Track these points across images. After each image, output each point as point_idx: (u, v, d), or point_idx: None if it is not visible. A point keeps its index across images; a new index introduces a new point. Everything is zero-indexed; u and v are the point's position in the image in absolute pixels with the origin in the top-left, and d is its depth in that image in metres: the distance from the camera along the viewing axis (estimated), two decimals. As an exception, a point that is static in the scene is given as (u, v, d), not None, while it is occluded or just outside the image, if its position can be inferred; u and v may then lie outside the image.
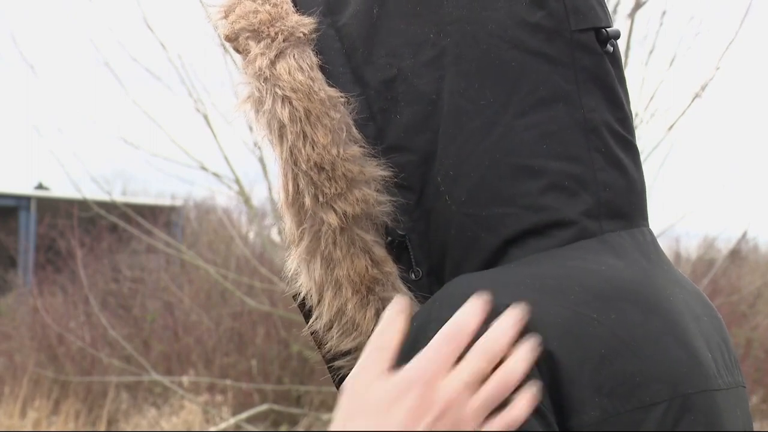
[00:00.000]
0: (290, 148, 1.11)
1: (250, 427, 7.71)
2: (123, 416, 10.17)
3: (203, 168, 6.33)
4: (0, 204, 17.10)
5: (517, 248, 1.07)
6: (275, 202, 6.64)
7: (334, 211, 1.09)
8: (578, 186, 1.09)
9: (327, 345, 1.14)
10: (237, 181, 6.35)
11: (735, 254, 11.53)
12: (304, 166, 1.10)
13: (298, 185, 1.11)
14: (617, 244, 1.10)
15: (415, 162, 1.10)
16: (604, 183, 1.11)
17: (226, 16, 1.19)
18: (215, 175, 6.35)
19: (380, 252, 1.11)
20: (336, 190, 1.09)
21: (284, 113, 1.11)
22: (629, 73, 6.17)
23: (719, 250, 12.14)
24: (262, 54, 1.13)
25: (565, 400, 0.98)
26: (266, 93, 1.12)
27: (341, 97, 1.12)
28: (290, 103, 1.11)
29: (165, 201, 16.30)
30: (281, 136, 1.11)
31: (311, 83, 1.12)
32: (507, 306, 0.98)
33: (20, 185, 19.92)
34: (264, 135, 1.14)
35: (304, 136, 1.10)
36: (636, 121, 6.28)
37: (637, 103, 6.32)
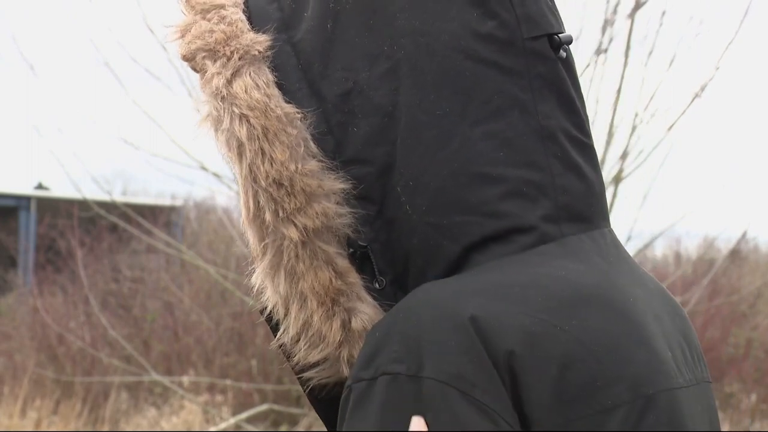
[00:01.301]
0: (249, 165, 1.12)
1: (250, 427, 7.71)
2: (123, 416, 10.17)
3: (203, 168, 6.33)
4: (0, 204, 17.10)
5: (479, 254, 1.09)
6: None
7: (294, 225, 1.11)
8: (537, 192, 1.11)
9: (295, 357, 1.15)
10: (237, 181, 6.34)
11: (735, 254, 11.53)
12: (263, 183, 1.11)
13: (258, 201, 1.13)
14: (577, 247, 1.12)
15: (374, 173, 1.12)
16: (563, 187, 1.12)
17: (182, 36, 1.18)
18: (215, 175, 6.35)
19: (343, 263, 1.12)
20: (295, 205, 1.11)
21: (242, 131, 1.12)
22: (629, 73, 6.17)
23: (719, 250, 12.15)
24: (218, 73, 1.14)
25: (526, 405, 1.00)
26: (224, 112, 1.13)
27: (298, 112, 1.13)
28: (247, 121, 1.12)
29: (165, 201, 16.30)
30: (240, 154, 1.13)
31: (267, 100, 1.13)
32: (471, 316, 1.01)
33: (20, 185, 19.93)
34: (224, 153, 1.15)
35: (263, 153, 1.11)
36: (636, 121, 6.28)
37: (637, 103, 6.33)
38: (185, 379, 9.42)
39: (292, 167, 1.11)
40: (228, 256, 12.31)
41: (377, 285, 1.13)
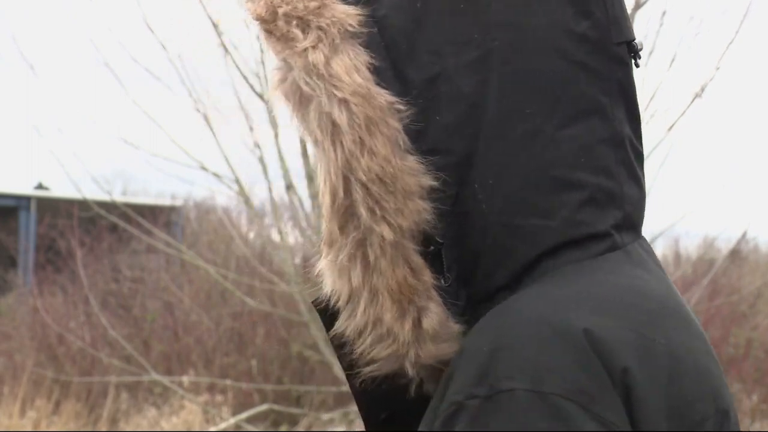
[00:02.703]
0: (347, 154, 1.05)
1: (250, 427, 7.71)
2: (123, 416, 10.17)
3: (203, 168, 6.33)
4: (0, 204, 17.10)
5: (552, 259, 1.07)
6: (275, 202, 6.65)
7: (389, 224, 1.05)
8: (608, 200, 1.10)
9: (359, 349, 1.10)
10: (237, 181, 6.35)
11: (735, 254, 11.53)
12: (363, 177, 1.05)
13: (351, 193, 1.06)
14: (637, 256, 1.11)
15: (453, 166, 1.07)
16: (628, 196, 1.12)
17: None
18: (215, 175, 6.35)
19: (418, 260, 1.07)
20: (394, 204, 1.05)
21: (342, 117, 1.05)
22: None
23: (719, 250, 12.14)
24: (314, 47, 1.06)
25: (639, 422, 0.98)
26: (320, 92, 1.06)
27: (397, 102, 1.06)
28: (348, 107, 1.05)
29: (165, 201, 16.29)
30: (334, 141, 1.06)
31: (369, 87, 1.06)
32: (584, 330, 0.98)
33: (20, 185, 19.91)
34: (310, 133, 1.08)
35: (362, 144, 1.05)
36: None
37: (637, 103, 6.31)
38: (185, 379, 9.41)
39: (394, 163, 1.05)
40: (228, 256, 12.31)
41: (443, 281, 1.08)
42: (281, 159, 6.11)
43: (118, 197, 10.50)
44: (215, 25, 5.94)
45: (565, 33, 1.09)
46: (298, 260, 10.13)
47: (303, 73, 1.06)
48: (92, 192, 7.84)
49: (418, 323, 1.07)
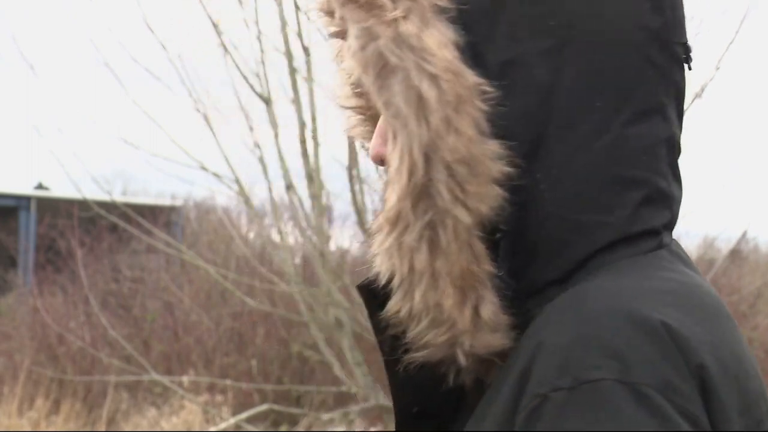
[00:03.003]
0: (432, 132, 1.02)
1: (250, 427, 7.71)
2: (123, 416, 10.17)
3: (203, 168, 6.33)
4: (0, 204, 17.10)
5: (608, 254, 1.06)
6: (275, 202, 6.64)
7: (467, 208, 1.02)
8: (661, 200, 1.10)
9: (411, 333, 1.06)
10: (237, 181, 6.35)
11: (735, 254, 11.52)
12: (448, 157, 1.01)
13: (429, 172, 1.02)
14: (679, 254, 1.12)
15: (519, 154, 1.05)
16: (675, 198, 1.12)
17: None
18: (215, 175, 6.35)
19: (481, 248, 1.05)
20: (477, 188, 1.02)
21: (431, 93, 1.01)
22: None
23: (719, 250, 12.13)
24: (405, 18, 1.03)
25: (711, 417, 0.97)
26: (410, 64, 1.02)
27: (484, 83, 1.04)
28: (438, 83, 1.02)
29: (165, 201, 16.30)
30: (419, 117, 1.02)
31: (459, 65, 1.03)
32: (662, 322, 0.97)
33: (20, 185, 19.91)
34: (388, 105, 1.04)
35: (449, 123, 1.01)
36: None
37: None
38: (185, 379, 9.41)
39: (480, 146, 1.02)
40: (228, 256, 12.31)
41: (497, 270, 1.06)
42: (281, 159, 6.11)
43: (118, 197, 10.50)
44: (215, 25, 5.94)
45: (640, 28, 1.08)
46: (298, 260, 10.14)
47: (391, 43, 1.03)
48: (92, 192, 7.84)
49: (476, 311, 1.04)
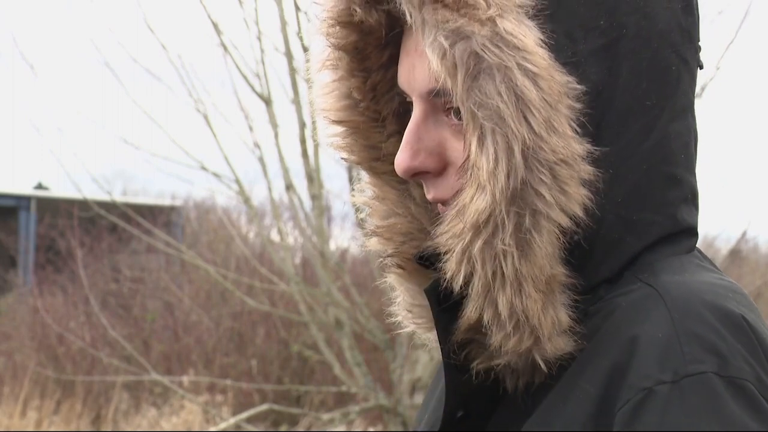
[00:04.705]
0: (534, 132, 0.99)
1: (250, 427, 7.70)
2: (123, 416, 10.17)
3: (203, 168, 6.32)
4: (0, 204, 17.10)
5: (650, 253, 1.08)
6: (275, 202, 6.65)
7: (565, 211, 1.01)
8: (694, 198, 1.12)
9: (494, 339, 1.05)
10: (237, 181, 6.35)
11: (735, 254, 11.51)
12: (551, 157, 1.00)
13: (530, 173, 1.00)
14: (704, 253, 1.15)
15: None
16: (700, 195, 1.14)
17: None
18: (215, 175, 6.35)
19: (559, 251, 1.04)
20: (573, 190, 1.01)
21: (532, 93, 0.99)
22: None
23: (719, 250, 12.14)
24: (500, 16, 1.01)
25: None
26: (511, 62, 1.00)
27: (573, 82, 1.03)
28: (538, 82, 1.00)
29: (165, 201, 16.30)
30: (520, 118, 0.99)
31: (554, 63, 1.02)
32: (742, 316, 0.99)
33: (20, 185, 19.93)
34: (479, 106, 1.00)
35: (549, 124, 1.00)
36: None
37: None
38: (185, 379, 9.42)
39: (576, 146, 1.01)
40: (228, 256, 12.32)
41: (569, 274, 1.05)
42: (281, 159, 6.11)
43: (118, 197, 10.50)
44: (215, 25, 5.94)
45: (677, 28, 1.09)
46: (298, 260, 10.14)
47: (488, 41, 1.00)
48: (92, 192, 7.85)
49: (557, 316, 1.04)
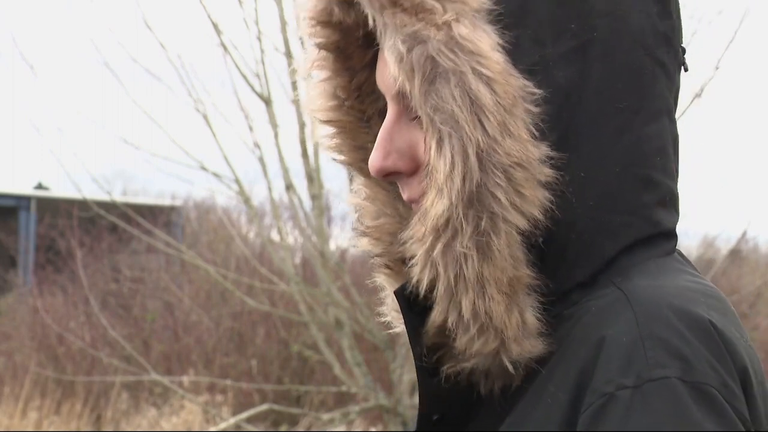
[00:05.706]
0: (488, 136, 1.00)
1: (250, 427, 7.71)
2: (123, 416, 10.17)
3: (203, 168, 6.33)
4: (0, 204, 17.10)
5: (629, 255, 1.07)
6: (275, 202, 6.65)
7: (523, 214, 1.01)
8: (672, 201, 1.11)
9: (459, 342, 1.05)
10: (237, 181, 6.35)
11: (735, 254, 11.52)
12: (505, 161, 1.00)
13: (486, 176, 1.00)
14: (685, 256, 1.13)
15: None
16: (679, 198, 1.13)
17: None
18: (215, 175, 6.35)
19: (523, 253, 1.04)
20: (531, 193, 1.01)
21: (487, 97, 1.00)
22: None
23: (719, 250, 12.14)
24: (456, 20, 1.01)
25: (753, 423, 0.98)
26: (465, 67, 1.00)
27: (529, 86, 1.03)
28: (492, 86, 1.01)
29: (165, 201, 16.30)
30: (475, 122, 1.00)
31: (509, 67, 1.02)
32: (710, 322, 0.98)
33: (20, 185, 19.92)
34: (436, 110, 1.01)
35: (505, 127, 1.00)
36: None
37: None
38: (185, 379, 9.42)
39: (532, 149, 1.01)
40: (228, 256, 12.32)
41: (535, 276, 1.05)
42: (281, 159, 6.11)
43: (118, 197, 10.49)
44: (215, 25, 5.94)
45: (652, 30, 1.09)
46: (297, 260, 10.14)
47: (444, 46, 1.01)
48: (92, 192, 7.84)
49: (522, 318, 1.04)
